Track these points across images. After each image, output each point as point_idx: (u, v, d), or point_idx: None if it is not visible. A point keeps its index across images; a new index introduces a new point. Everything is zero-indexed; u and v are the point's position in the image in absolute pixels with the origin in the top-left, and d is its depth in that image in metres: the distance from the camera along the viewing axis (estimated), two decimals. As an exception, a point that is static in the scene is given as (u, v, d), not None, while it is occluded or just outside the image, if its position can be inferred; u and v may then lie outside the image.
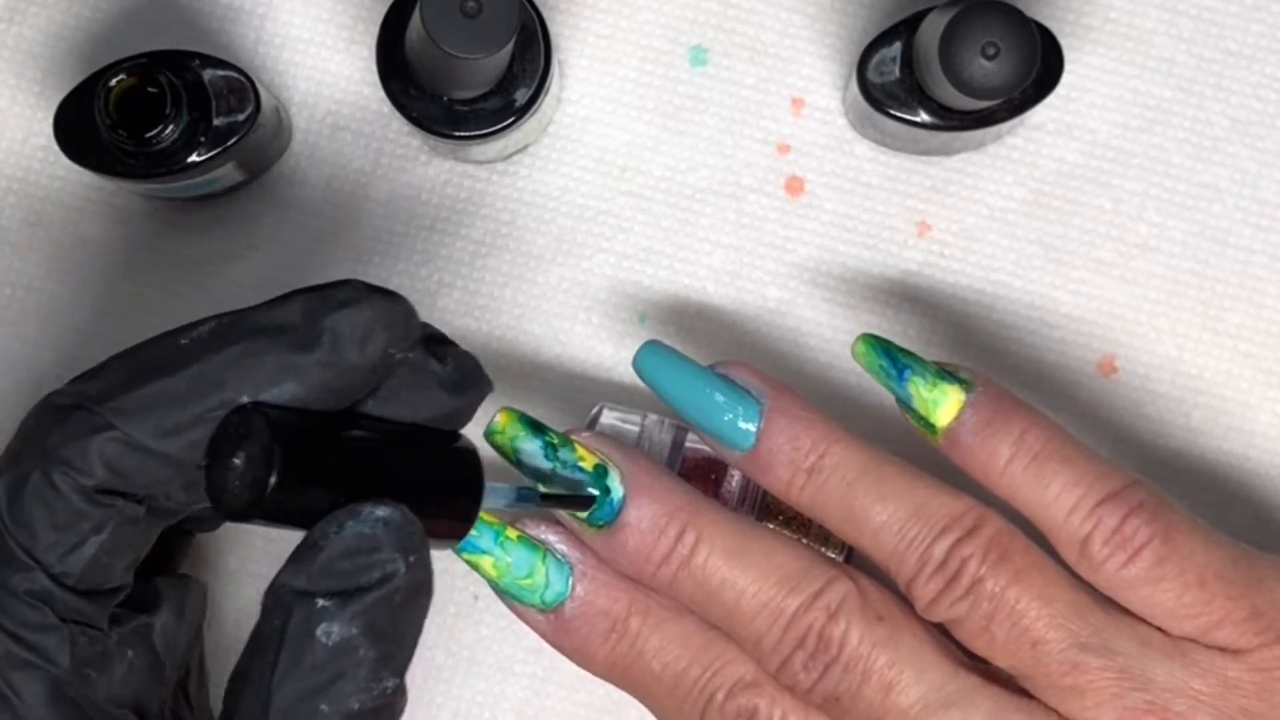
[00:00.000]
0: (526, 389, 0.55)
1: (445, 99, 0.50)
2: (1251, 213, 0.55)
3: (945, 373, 0.46)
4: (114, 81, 0.48)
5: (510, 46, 0.47)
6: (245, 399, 0.36)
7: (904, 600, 0.45)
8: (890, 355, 0.46)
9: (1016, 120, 0.52)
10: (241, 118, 0.50)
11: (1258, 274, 0.55)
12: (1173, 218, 0.55)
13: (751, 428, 0.46)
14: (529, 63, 0.51)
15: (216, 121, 0.50)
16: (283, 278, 0.55)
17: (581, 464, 0.46)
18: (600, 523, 0.46)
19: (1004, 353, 0.55)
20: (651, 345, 0.47)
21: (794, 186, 0.55)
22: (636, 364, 0.47)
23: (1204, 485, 0.54)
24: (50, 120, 0.50)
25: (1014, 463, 0.44)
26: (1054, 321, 0.55)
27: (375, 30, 0.51)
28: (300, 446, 0.36)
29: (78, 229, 0.55)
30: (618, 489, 0.46)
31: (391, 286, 0.54)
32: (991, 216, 0.55)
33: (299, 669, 0.36)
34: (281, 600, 0.36)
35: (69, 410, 0.37)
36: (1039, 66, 0.48)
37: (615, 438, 0.49)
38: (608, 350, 0.55)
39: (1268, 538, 0.54)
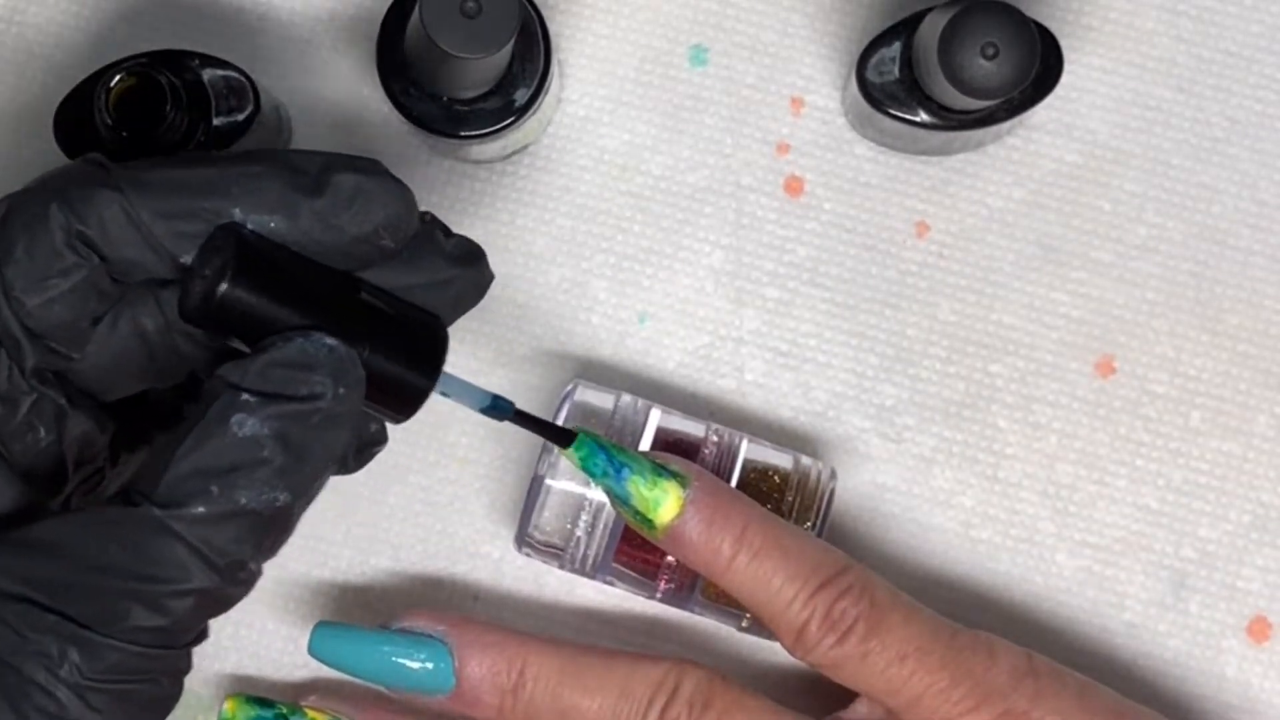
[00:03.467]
0: (526, 389, 0.55)
1: (445, 99, 0.50)
2: (1250, 214, 0.55)
3: (661, 469, 0.47)
4: (114, 81, 0.48)
5: (510, 46, 0.47)
6: (237, 212, 0.38)
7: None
8: (607, 453, 0.47)
9: (1016, 120, 0.52)
10: (241, 118, 0.50)
11: (1256, 275, 0.55)
12: (1172, 219, 0.55)
13: (443, 666, 0.49)
14: (529, 62, 0.51)
15: (216, 121, 0.50)
16: (282, 277, 0.55)
17: None
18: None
19: (1002, 353, 0.55)
20: (320, 628, 0.50)
21: (793, 186, 0.55)
22: (311, 651, 0.50)
23: (1203, 486, 0.54)
24: (50, 120, 0.50)
25: (737, 559, 0.47)
26: (1052, 322, 0.55)
27: (375, 30, 0.51)
28: (265, 268, 0.38)
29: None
30: None
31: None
32: (990, 217, 0.55)
33: (203, 447, 0.37)
34: (214, 389, 0.38)
35: (92, 166, 0.40)
36: (1038, 67, 0.48)
37: (589, 415, 0.50)
38: (607, 351, 0.55)
39: (1266, 537, 0.54)
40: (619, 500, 0.47)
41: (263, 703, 0.50)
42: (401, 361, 0.41)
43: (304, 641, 0.54)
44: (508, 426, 0.54)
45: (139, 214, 0.39)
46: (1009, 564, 0.54)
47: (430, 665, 0.49)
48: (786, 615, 0.47)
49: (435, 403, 0.55)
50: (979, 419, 0.55)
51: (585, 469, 0.47)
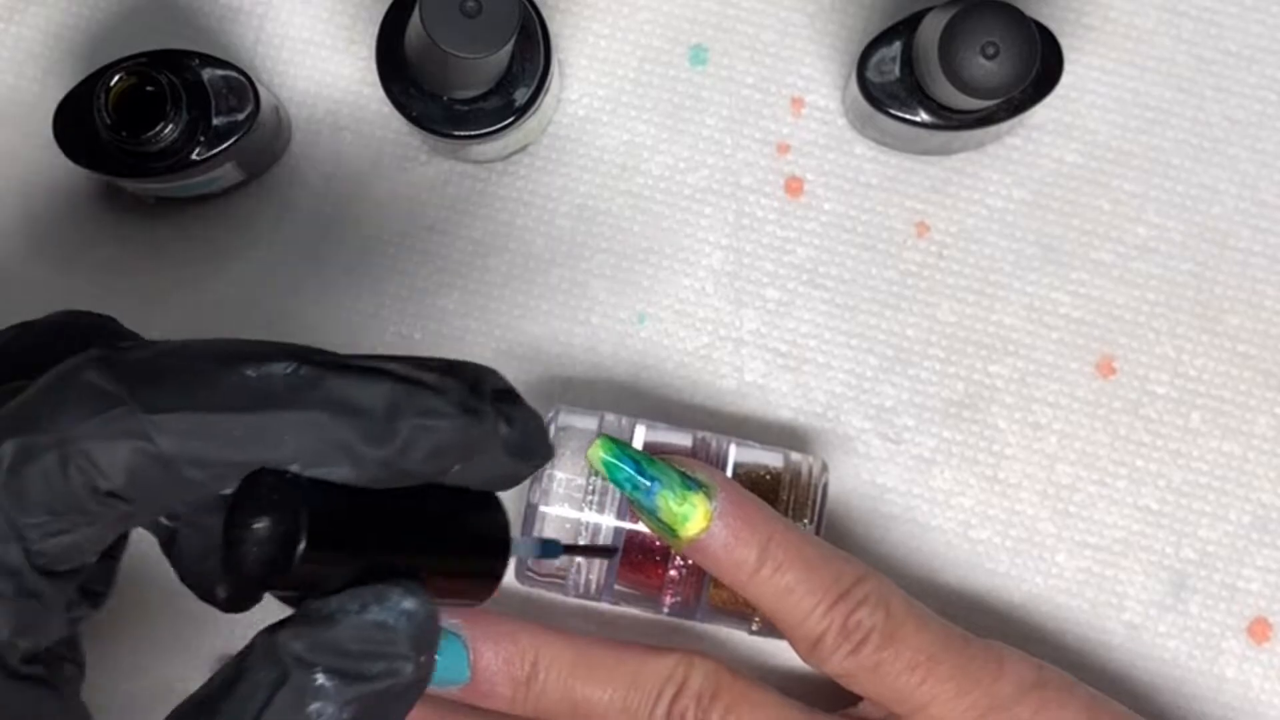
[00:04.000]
0: (526, 389, 0.55)
1: (445, 99, 0.50)
2: (1250, 214, 0.55)
3: (689, 481, 0.47)
4: (114, 81, 0.48)
5: (510, 46, 0.47)
6: (296, 468, 0.34)
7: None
8: (637, 465, 0.47)
9: (1016, 120, 0.52)
10: (241, 117, 0.50)
11: (1256, 275, 0.55)
12: (1172, 219, 0.55)
13: (458, 658, 0.49)
14: (529, 62, 0.51)
15: (216, 121, 0.50)
16: (282, 277, 0.55)
17: None
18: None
19: (1002, 353, 0.55)
20: None
21: (793, 187, 0.55)
22: None
23: (1203, 487, 0.54)
24: (50, 119, 0.50)
25: (761, 572, 0.48)
26: (1053, 322, 0.55)
27: (375, 30, 0.51)
28: (330, 524, 0.34)
29: (77, 228, 0.55)
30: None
31: (391, 286, 0.55)
32: (990, 217, 0.55)
33: None
34: (277, 658, 0.34)
35: (109, 401, 0.34)
36: (1038, 66, 0.48)
37: (573, 439, 0.50)
38: (607, 351, 0.55)
39: (1266, 538, 0.54)
40: (645, 511, 0.47)
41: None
42: (471, 564, 0.38)
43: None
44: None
45: (174, 464, 0.34)
46: (1009, 564, 0.54)
47: (446, 657, 0.49)
48: (805, 625, 0.48)
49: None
50: (979, 419, 0.55)
51: (611, 478, 0.47)
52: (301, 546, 0.33)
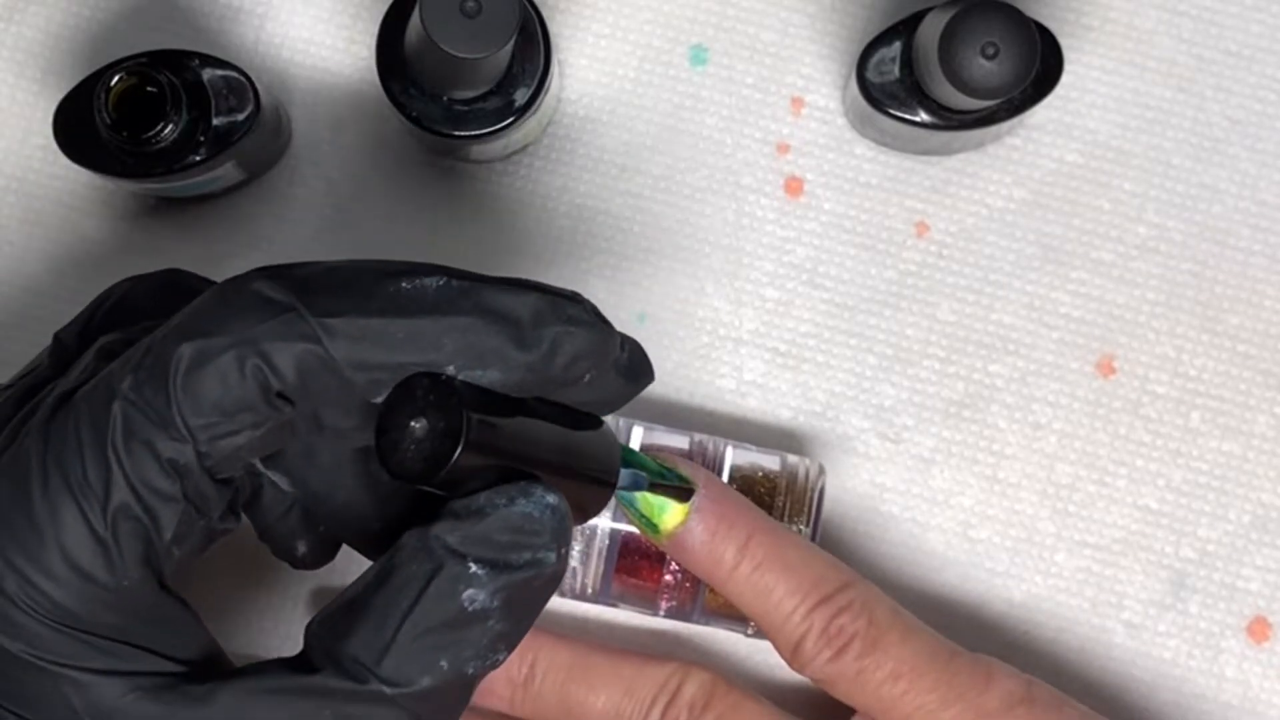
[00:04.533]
0: (526, 389, 0.55)
1: (445, 99, 0.50)
2: (1251, 214, 0.55)
3: (669, 474, 0.47)
4: (114, 81, 0.48)
5: (510, 46, 0.46)
6: (451, 370, 0.37)
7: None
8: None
9: (1016, 120, 0.52)
10: (241, 117, 0.50)
11: (1256, 275, 0.55)
12: (1172, 218, 0.55)
13: None
14: (529, 62, 0.51)
15: (216, 121, 0.50)
16: (282, 277, 0.55)
17: None
18: None
19: (1002, 353, 0.55)
20: None
21: (793, 187, 0.55)
22: None
23: (1203, 486, 0.54)
24: (50, 119, 0.50)
25: (739, 569, 0.48)
26: (1053, 322, 0.55)
27: (375, 30, 0.51)
28: (484, 426, 0.37)
29: (77, 228, 0.55)
30: None
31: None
32: (990, 217, 0.55)
33: (432, 621, 0.36)
34: (432, 551, 0.37)
35: (281, 308, 0.36)
36: (1038, 67, 0.48)
37: None
38: (607, 350, 0.55)
39: (1266, 537, 0.54)
40: (624, 502, 0.47)
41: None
42: (589, 481, 0.41)
43: (300, 642, 0.54)
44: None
45: (340, 367, 0.36)
46: (1008, 564, 0.54)
47: None
48: (785, 627, 0.47)
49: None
50: (978, 419, 0.55)
51: None
52: (461, 444, 0.36)
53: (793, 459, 0.51)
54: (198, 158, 0.50)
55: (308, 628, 0.38)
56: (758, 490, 0.50)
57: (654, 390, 0.54)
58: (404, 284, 0.37)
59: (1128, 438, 0.55)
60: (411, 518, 0.38)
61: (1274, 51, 0.55)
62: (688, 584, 0.50)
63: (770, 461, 0.51)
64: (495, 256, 0.55)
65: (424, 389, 0.37)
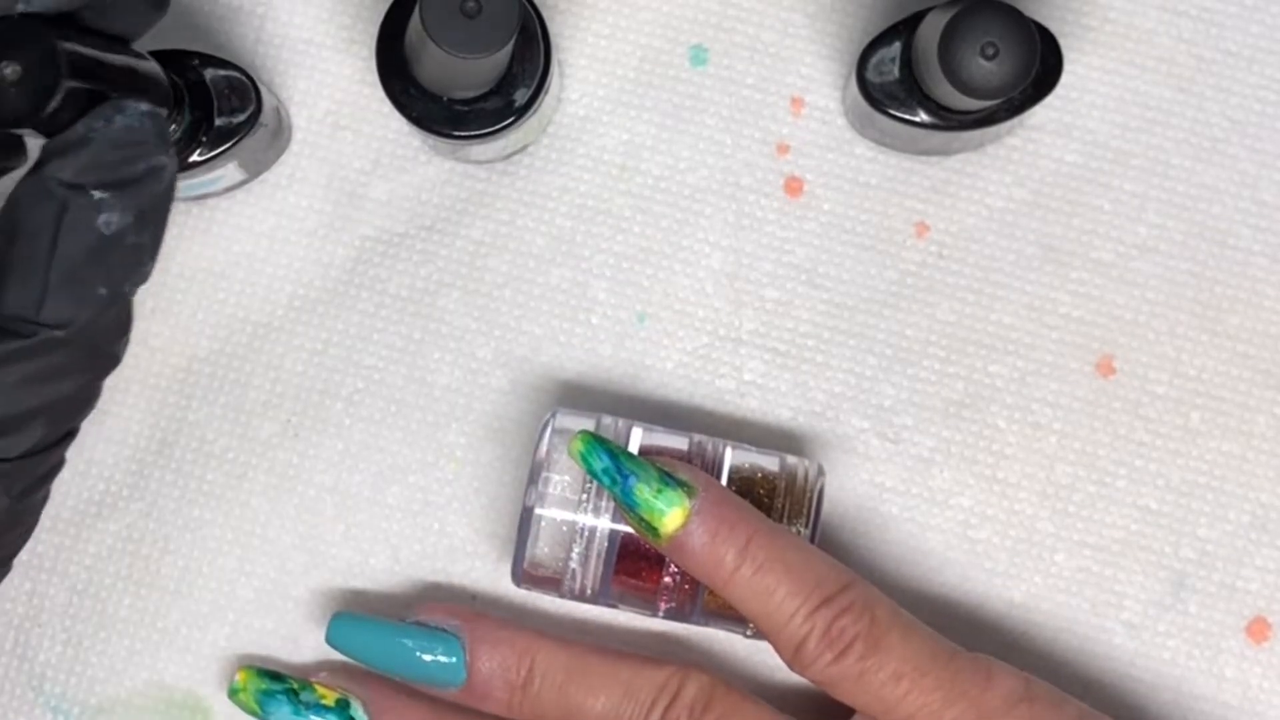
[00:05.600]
0: (525, 389, 0.55)
1: (445, 99, 0.50)
2: (1251, 214, 0.55)
3: (668, 478, 0.47)
4: (114, 80, 0.48)
5: (510, 46, 0.47)
6: (21, 6, 0.38)
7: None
8: (614, 459, 0.47)
9: (1016, 120, 0.52)
10: (243, 118, 0.50)
11: (1257, 275, 0.55)
12: (1172, 219, 0.55)
13: (455, 660, 0.49)
14: (528, 63, 0.51)
15: (217, 121, 0.50)
16: (282, 278, 0.55)
17: (323, 702, 0.50)
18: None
19: (1002, 353, 0.55)
20: (337, 618, 0.50)
21: (793, 187, 0.55)
22: (330, 640, 0.50)
23: (1202, 486, 0.54)
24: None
25: (739, 571, 0.47)
26: (1052, 322, 0.55)
27: (375, 30, 0.51)
28: (73, 55, 0.37)
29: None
30: (363, 717, 0.50)
31: (391, 286, 0.55)
32: (990, 217, 0.55)
33: (77, 257, 0.37)
34: (52, 192, 0.37)
35: None
36: (1038, 67, 0.48)
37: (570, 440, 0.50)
38: (606, 351, 0.55)
39: (1266, 537, 0.54)
40: (624, 506, 0.47)
41: (274, 676, 0.51)
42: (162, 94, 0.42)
43: (301, 641, 0.54)
44: (507, 425, 0.55)
45: None
46: (1007, 564, 0.54)
47: (445, 659, 0.49)
48: (786, 630, 0.47)
49: (432, 402, 0.55)
50: (978, 419, 0.55)
51: (588, 470, 0.47)
52: (61, 79, 0.37)
53: (792, 460, 0.51)
54: (198, 157, 0.50)
55: None
56: (757, 491, 0.50)
57: (653, 391, 0.54)
58: None
59: (1127, 438, 0.55)
60: None
61: (1274, 52, 0.55)
62: (687, 585, 0.50)
63: (769, 462, 0.51)
64: (495, 256, 0.55)
65: (4, 29, 0.37)
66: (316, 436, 0.55)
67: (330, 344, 0.55)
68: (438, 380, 0.55)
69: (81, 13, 0.40)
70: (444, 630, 0.50)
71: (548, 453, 0.50)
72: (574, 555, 0.50)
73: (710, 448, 0.51)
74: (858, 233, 0.55)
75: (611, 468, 0.47)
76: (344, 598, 0.54)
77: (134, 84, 0.40)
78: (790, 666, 0.48)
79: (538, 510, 0.49)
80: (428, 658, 0.49)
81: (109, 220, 0.37)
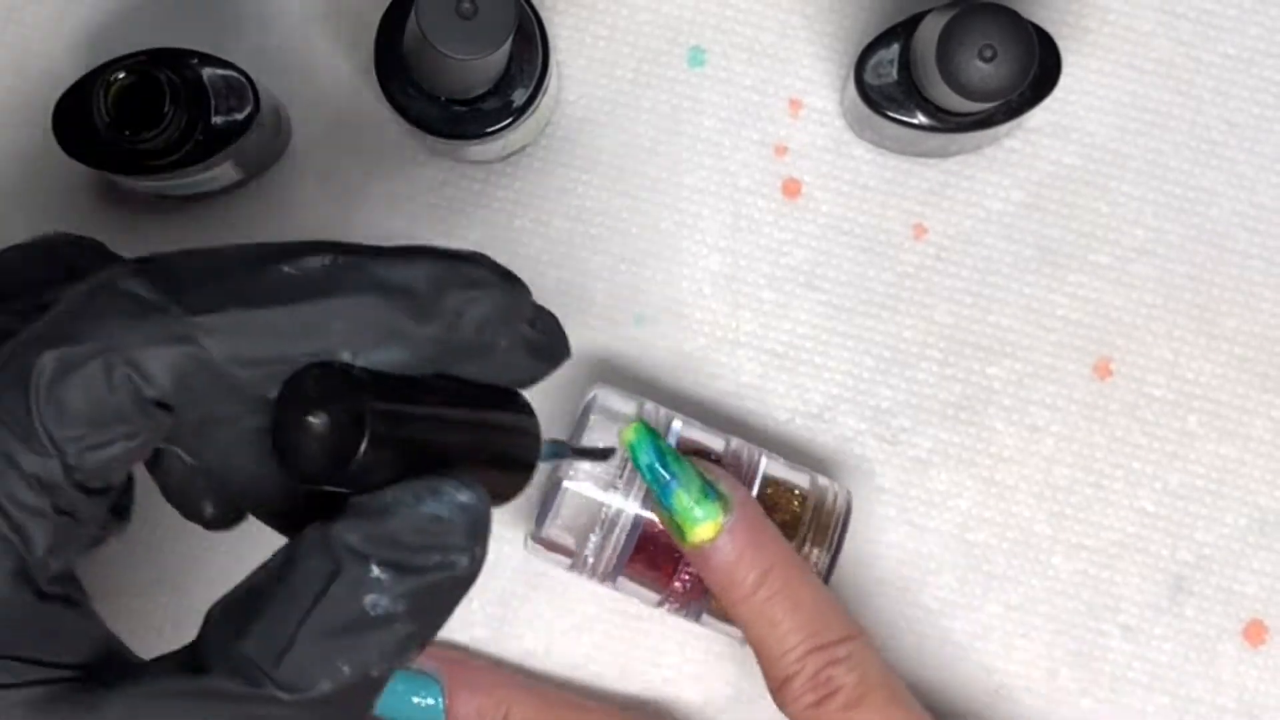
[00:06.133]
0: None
1: (443, 100, 0.50)
2: (1248, 217, 0.55)
3: (709, 489, 0.48)
4: (113, 79, 0.48)
5: (507, 47, 0.47)
6: (346, 356, 0.34)
7: None
8: (662, 457, 0.47)
9: (1014, 123, 0.52)
10: (240, 117, 0.50)
11: (1254, 278, 0.55)
12: (1170, 221, 0.55)
13: (435, 703, 0.51)
14: (527, 63, 0.51)
15: (215, 120, 0.50)
16: (281, 277, 0.55)
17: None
18: None
19: (1000, 355, 0.55)
20: None
21: (791, 189, 0.55)
22: None
23: (1199, 489, 0.54)
24: (49, 117, 0.50)
25: (753, 596, 0.48)
26: (1050, 324, 0.55)
27: (373, 30, 0.51)
28: (388, 417, 0.34)
29: (76, 226, 0.54)
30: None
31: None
32: (988, 219, 0.55)
33: (332, 627, 0.34)
34: (332, 550, 0.34)
35: (150, 307, 0.33)
36: (1036, 69, 0.48)
37: (610, 419, 0.50)
38: (604, 352, 0.55)
39: (1263, 540, 0.54)
40: (660, 504, 0.48)
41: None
42: (507, 461, 0.38)
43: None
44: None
45: (220, 366, 0.33)
46: (1005, 566, 0.54)
47: (426, 702, 0.51)
48: (780, 663, 0.48)
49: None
50: (976, 421, 0.55)
51: (634, 461, 0.47)
52: (366, 438, 0.33)
53: (823, 481, 0.51)
54: (196, 157, 0.50)
55: (209, 613, 0.36)
56: (785, 505, 0.50)
57: (652, 393, 0.54)
58: (284, 267, 0.34)
59: (1125, 440, 0.55)
60: (320, 497, 0.36)
61: (1272, 55, 0.55)
62: (697, 587, 0.50)
63: (801, 479, 0.51)
64: (493, 257, 0.55)
65: (316, 380, 0.33)
66: (314, 436, 0.55)
67: (328, 344, 0.55)
68: (436, 381, 0.55)
69: (448, 368, 0.36)
70: (428, 675, 0.51)
71: (586, 430, 0.50)
72: (595, 533, 0.50)
73: (746, 454, 0.51)
74: (855, 234, 0.55)
75: (657, 465, 0.47)
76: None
77: (480, 452, 0.36)
78: (773, 697, 0.48)
79: (566, 483, 0.50)
80: (414, 699, 0.51)
81: (376, 601, 0.34)
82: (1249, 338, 0.55)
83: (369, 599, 0.34)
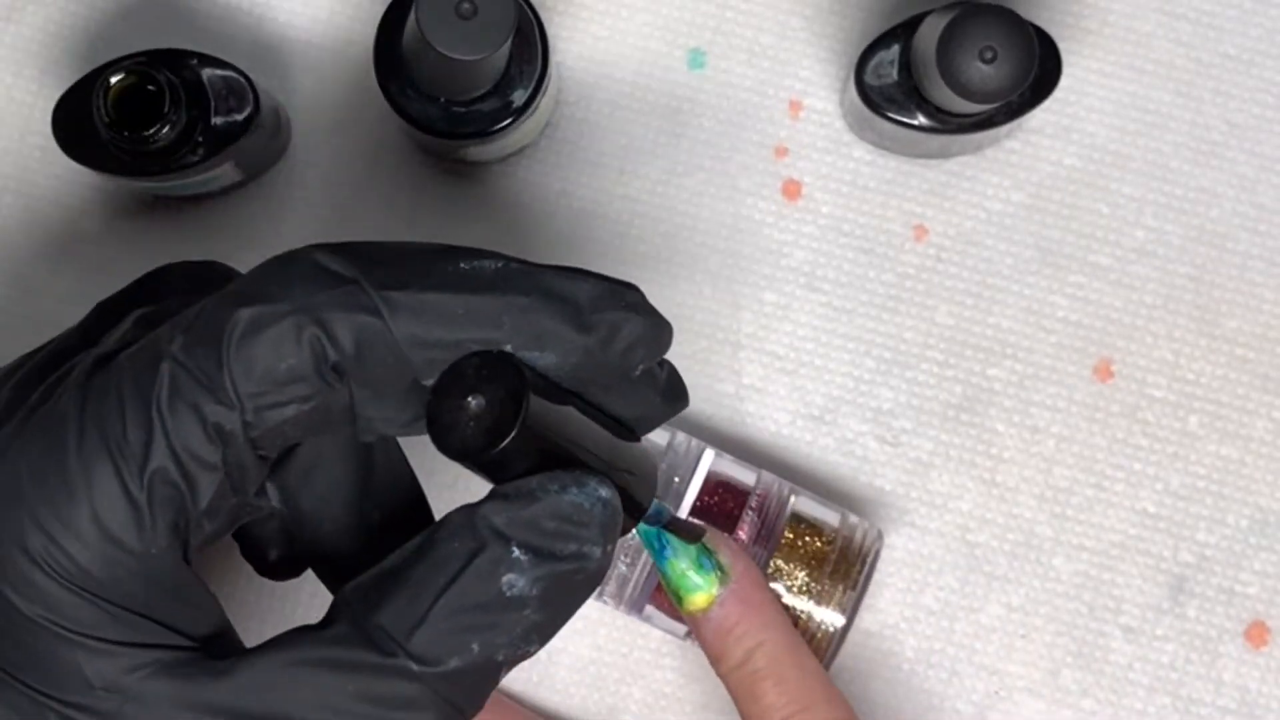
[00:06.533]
0: (523, 391, 0.55)
1: (442, 100, 0.50)
2: (1249, 217, 0.55)
3: (705, 560, 0.47)
4: (113, 80, 0.48)
5: (507, 47, 0.47)
6: (508, 347, 0.36)
7: None
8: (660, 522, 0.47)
9: (1014, 124, 0.52)
10: (240, 118, 0.50)
11: (1255, 279, 0.55)
12: (1170, 222, 0.55)
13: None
14: (526, 64, 0.51)
15: (215, 121, 0.50)
16: (280, 278, 0.55)
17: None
18: None
19: (1000, 356, 0.55)
20: None
21: (791, 190, 0.55)
22: None
23: (1201, 490, 0.54)
24: (48, 118, 0.50)
25: (740, 669, 0.48)
26: (1050, 326, 0.55)
27: (373, 31, 0.51)
28: (539, 407, 0.36)
29: (75, 227, 0.55)
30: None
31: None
32: (989, 220, 0.55)
33: (468, 602, 0.35)
34: (476, 529, 0.35)
35: (342, 279, 0.36)
36: (1036, 70, 0.48)
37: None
38: (605, 352, 0.55)
39: (1265, 541, 0.54)
40: (658, 563, 0.48)
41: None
42: (628, 496, 0.39)
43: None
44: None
45: (397, 341, 0.35)
46: (1006, 568, 0.54)
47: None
48: None
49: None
50: (976, 422, 0.55)
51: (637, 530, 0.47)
52: (523, 415, 0.35)
53: (853, 519, 0.51)
54: (196, 157, 0.50)
55: (339, 594, 0.37)
56: (812, 540, 0.50)
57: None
58: (462, 264, 0.36)
59: (1125, 441, 0.54)
60: (387, 546, 0.37)
61: (1272, 55, 0.55)
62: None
63: (831, 517, 0.51)
64: (493, 258, 0.55)
65: (477, 367, 0.36)
66: (314, 438, 0.55)
67: (328, 346, 0.55)
68: (435, 382, 0.55)
69: (588, 390, 0.38)
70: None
71: None
72: (621, 563, 0.50)
73: (775, 489, 0.51)
74: (856, 235, 0.55)
75: (652, 533, 0.47)
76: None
77: (611, 471, 0.38)
78: None
79: None
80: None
81: (514, 582, 0.35)
82: (1250, 339, 0.55)
83: (507, 578, 0.35)
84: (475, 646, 0.35)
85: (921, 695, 0.54)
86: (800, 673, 0.48)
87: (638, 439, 0.40)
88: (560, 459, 0.37)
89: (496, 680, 0.37)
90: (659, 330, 0.38)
